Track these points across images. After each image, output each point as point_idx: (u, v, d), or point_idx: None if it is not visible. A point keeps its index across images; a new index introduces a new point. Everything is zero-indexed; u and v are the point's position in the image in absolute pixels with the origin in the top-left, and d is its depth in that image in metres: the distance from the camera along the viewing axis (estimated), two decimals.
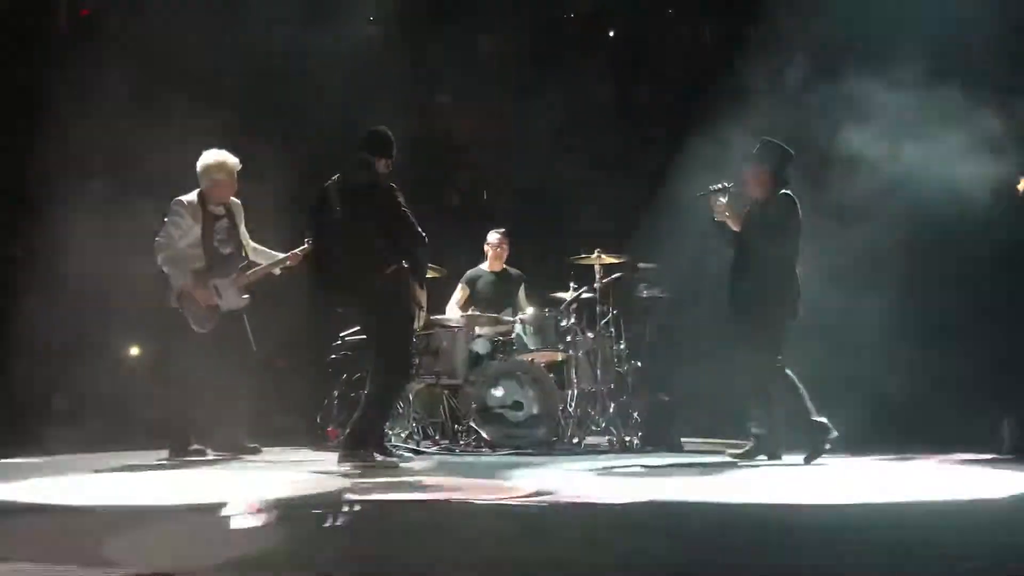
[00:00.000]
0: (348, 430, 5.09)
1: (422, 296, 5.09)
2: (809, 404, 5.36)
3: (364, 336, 5.60)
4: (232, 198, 5.83)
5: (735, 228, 5.52)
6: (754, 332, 5.41)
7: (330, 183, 5.14)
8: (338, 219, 5.04)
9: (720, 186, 5.57)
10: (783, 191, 5.53)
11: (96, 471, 4.95)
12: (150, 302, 6.09)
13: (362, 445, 4.96)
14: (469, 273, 7.16)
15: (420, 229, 4.98)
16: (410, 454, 5.65)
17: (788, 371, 5.39)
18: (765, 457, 5.45)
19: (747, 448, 5.54)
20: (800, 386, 5.37)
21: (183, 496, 4.00)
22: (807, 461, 5.29)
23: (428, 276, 6.59)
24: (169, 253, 5.58)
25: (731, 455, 5.55)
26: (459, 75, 7.47)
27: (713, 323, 6.19)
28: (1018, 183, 5.55)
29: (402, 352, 5.11)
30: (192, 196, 5.70)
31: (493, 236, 7.08)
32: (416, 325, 5.21)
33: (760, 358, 5.40)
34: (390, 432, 6.26)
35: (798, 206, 5.50)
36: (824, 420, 5.33)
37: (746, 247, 5.52)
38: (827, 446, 5.28)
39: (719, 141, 6.71)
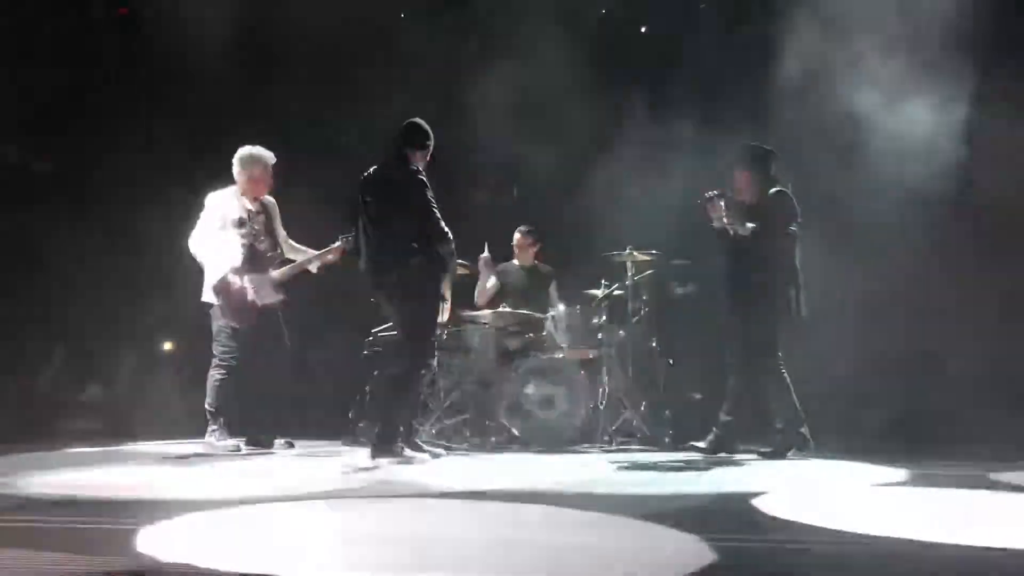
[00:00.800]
0: (378, 425, 5.13)
1: (447, 290, 5.16)
2: (798, 409, 5.43)
3: (392, 328, 5.66)
4: (268, 196, 5.87)
5: (741, 232, 5.49)
6: (753, 332, 5.48)
7: (366, 175, 5.22)
8: (370, 211, 5.13)
9: (716, 192, 5.56)
10: (775, 189, 5.58)
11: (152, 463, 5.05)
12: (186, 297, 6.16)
13: (392, 439, 5.02)
14: (500, 267, 7.15)
15: (445, 225, 5.02)
16: (440, 450, 5.66)
17: (784, 372, 5.46)
18: (794, 451, 5.45)
19: (774, 448, 5.52)
20: (791, 389, 5.44)
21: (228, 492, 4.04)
22: (766, 456, 5.42)
23: (457, 273, 6.65)
24: (205, 248, 5.62)
25: (760, 453, 5.55)
26: (492, 73, 7.44)
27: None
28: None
29: (424, 344, 5.13)
30: (228, 191, 5.74)
31: (517, 235, 7.09)
32: (442, 319, 5.26)
33: (758, 358, 5.48)
34: (421, 428, 6.29)
35: (793, 201, 5.54)
36: (805, 432, 5.41)
37: (742, 251, 5.54)
38: (790, 455, 5.38)
39: (750, 136, 6.70)
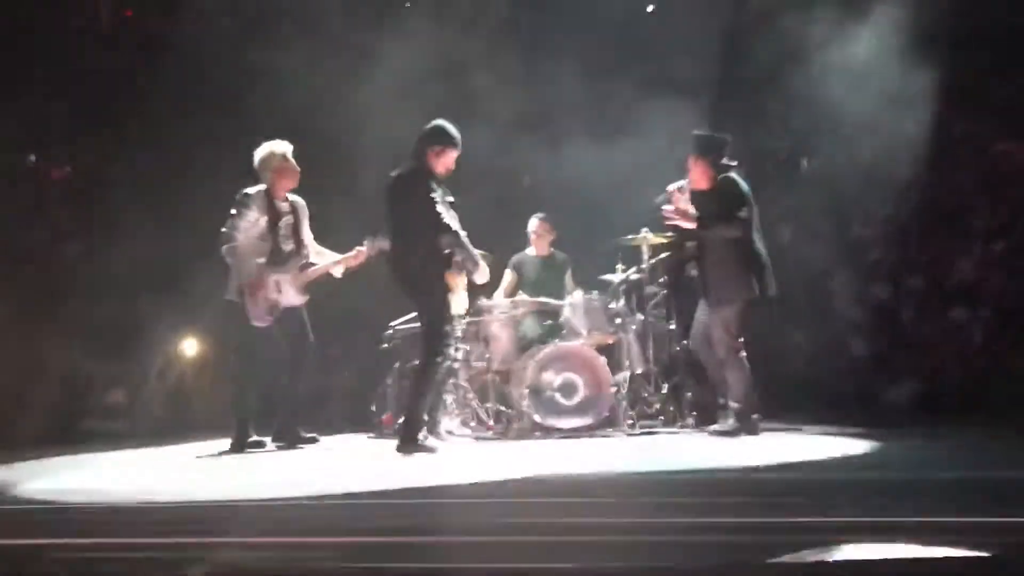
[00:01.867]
0: (403, 419, 5.20)
1: (455, 280, 5.24)
2: (752, 394, 5.59)
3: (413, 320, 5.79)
4: (298, 197, 5.90)
5: (687, 225, 5.72)
6: (716, 314, 5.63)
7: (390, 176, 5.35)
8: (387, 210, 5.32)
9: (676, 187, 5.83)
10: (722, 176, 5.74)
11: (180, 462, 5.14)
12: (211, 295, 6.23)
13: (416, 431, 5.09)
14: (515, 258, 7.17)
15: (445, 218, 5.10)
16: (464, 439, 5.71)
17: (743, 354, 5.59)
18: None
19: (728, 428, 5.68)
20: (749, 374, 5.61)
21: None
22: (712, 433, 5.64)
23: (475, 263, 6.66)
24: (233, 245, 5.66)
25: (711, 431, 5.73)
26: (502, 59, 7.44)
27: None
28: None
29: (436, 334, 5.19)
30: (259, 189, 5.77)
31: (533, 222, 7.09)
32: (457, 310, 5.32)
33: (722, 338, 5.61)
34: (443, 418, 6.33)
35: (741, 186, 5.69)
36: (756, 418, 5.58)
37: (701, 238, 5.77)
38: (735, 436, 5.51)
39: (762, 116, 6.74)
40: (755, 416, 5.62)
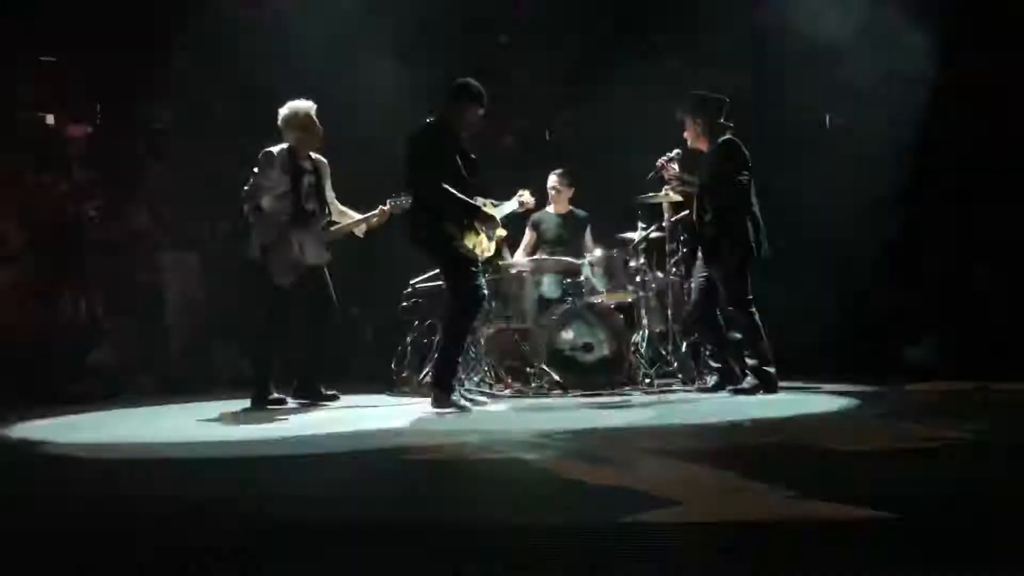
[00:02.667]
0: (433, 376, 5.27)
1: (468, 236, 5.20)
2: (766, 350, 5.65)
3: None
4: (320, 156, 5.87)
5: (690, 189, 5.85)
6: (721, 276, 5.69)
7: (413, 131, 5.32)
8: (406, 166, 5.28)
9: (670, 155, 5.94)
10: (724, 138, 5.76)
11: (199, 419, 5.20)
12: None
13: (449, 388, 5.16)
14: (534, 216, 7.14)
15: (443, 176, 5.06)
16: (484, 398, 5.74)
17: (754, 311, 5.66)
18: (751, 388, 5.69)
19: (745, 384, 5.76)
20: (762, 329, 5.66)
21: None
22: (735, 393, 5.68)
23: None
24: (257, 203, 5.65)
25: (730, 390, 5.79)
26: (521, 19, 7.35)
27: (784, 261, 6.17)
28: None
29: (461, 287, 5.18)
30: (282, 148, 5.74)
31: (552, 178, 7.05)
32: (482, 254, 5.33)
33: (725, 294, 5.70)
34: (463, 377, 6.36)
35: (742, 148, 5.71)
36: (771, 371, 5.63)
37: (701, 200, 5.80)
38: (754, 393, 5.60)
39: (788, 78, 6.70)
40: (772, 371, 5.63)
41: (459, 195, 5.13)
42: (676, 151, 5.99)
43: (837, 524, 2.29)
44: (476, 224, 5.26)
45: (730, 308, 5.76)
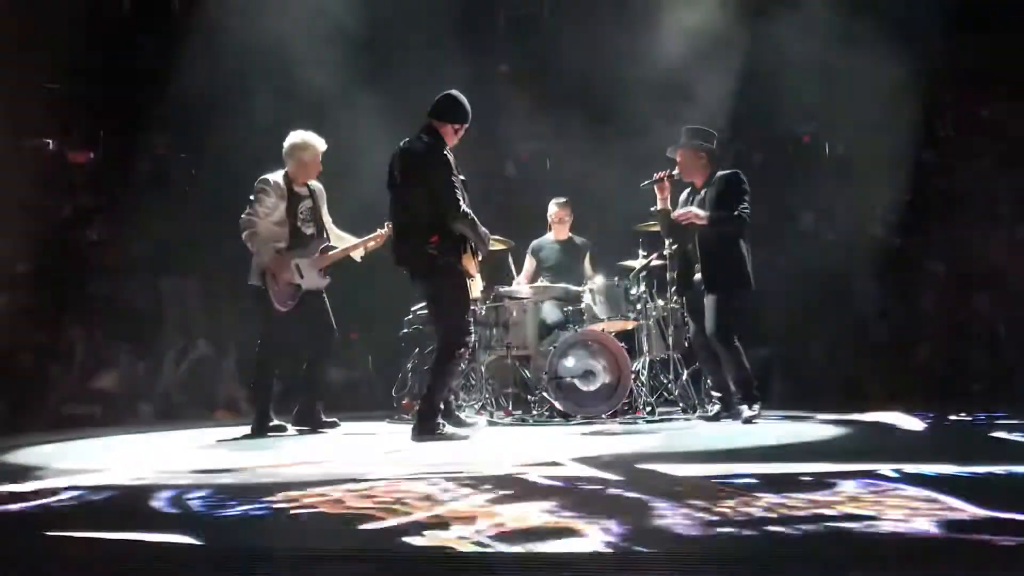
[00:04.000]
0: (419, 405, 5.15)
1: (471, 264, 5.06)
2: (750, 380, 5.76)
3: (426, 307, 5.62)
4: (315, 181, 5.90)
5: (699, 221, 5.78)
6: (714, 304, 5.74)
7: (395, 150, 5.14)
8: (396, 186, 5.07)
9: (664, 174, 5.95)
10: (727, 171, 5.89)
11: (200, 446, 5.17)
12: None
13: (432, 418, 5.01)
14: (535, 243, 7.16)
15: (463, 204, 4.90)
16: (481, 421, 5.70)
17: (737, 343, 5.74)
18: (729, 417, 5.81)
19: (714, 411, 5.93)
20: (744, 360, 5.75)
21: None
22: (709, 419, 5.86)
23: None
24: (254, 231, 5.67)
25: (699, 416, 6.04)
26: (520, 44, 7.41)
27: (784, 289, 6.19)
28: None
29: (455, 320, 5.03)
30: (278, 175, 5.76)
31: (553, 206, 7.07)
32: (474, 294, 5.21)
33: (719, 323, 5.71)
34: (463, 404, 6.35)
35: (745, 182, 5.82)
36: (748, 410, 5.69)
37: (690, 232, 5.86)
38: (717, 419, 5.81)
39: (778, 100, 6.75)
40: (757, 402, 5.76)
41: (479, 227, 5.00)
42: (676, 172, 5.99)
43: None
44: (478, 253, 5.10)
45: (715, 336, 5.76)
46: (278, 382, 6.00)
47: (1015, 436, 4.60)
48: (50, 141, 8.20)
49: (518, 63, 7.70)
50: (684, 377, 6.48)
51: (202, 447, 5.18)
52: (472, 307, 5.36)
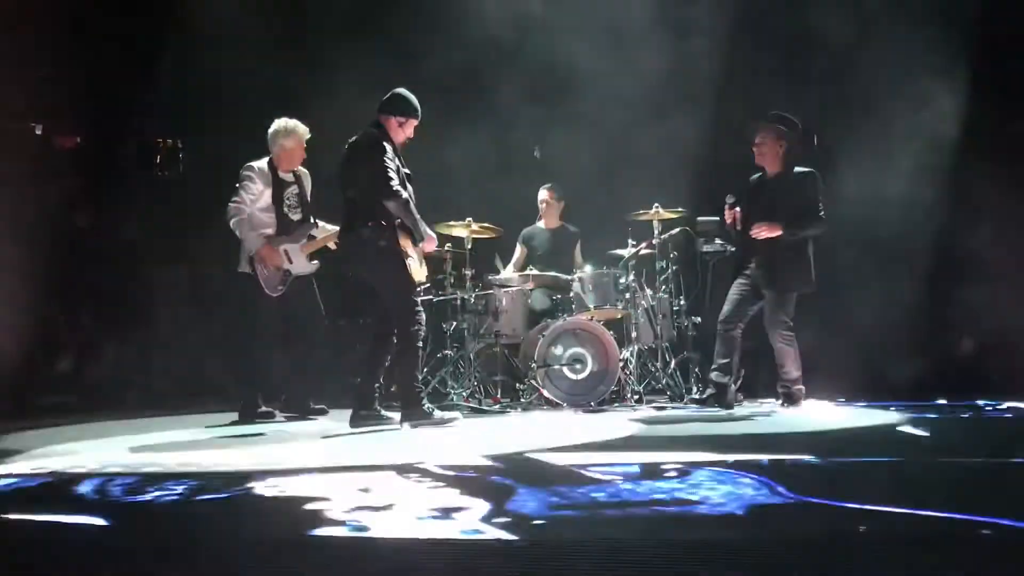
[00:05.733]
0: (400, 397, 5.17)
1: (407, 245, 5.06)
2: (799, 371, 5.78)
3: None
4: (302, 167, 5.89)
5: (789, 236, 5.68)
6: (779, 299, 5.70)
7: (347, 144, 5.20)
8: (341, 176, 5.14)
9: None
10: (804, 168, 5.76)
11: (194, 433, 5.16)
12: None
13: (417, 403, 5.06)
14: (525, 231, 7.18)
15: (392, 179, 4.93)
16: (456, 413, 5.66)
17: (793, 335, 5.74)
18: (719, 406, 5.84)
19: (707, 394, 5.96)
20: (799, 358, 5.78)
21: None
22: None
23: (486, 236, 6.67)
24: (241, 217, 5.66)
25: (689, 400, 6.09)
26: (511, 31, 7.38)
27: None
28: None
29: (403, 300, 5.07)
30: (263, 162, 5.78)
31: (542, 192, 7.08)
32: (418, 277, 5.21)
33: (782, 321, 5.70)
34: (452, 391, 6.36)
35: (821, 183, 5.76)
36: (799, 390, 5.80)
37: (755, 220, 5.72)
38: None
39: (767, 92, 6.74)
40: (799, 389, 5.79)
41: (414, 211, 5.05)
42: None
43: None
44: (419, 243, 5.14)
45: (775, 331, 5.75)
46: (267, 369, 5.99)
47: (920, 431, 4.61)
48: (37, 126, 8.11)
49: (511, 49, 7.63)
50: (672, 366, 6.50)
51: (185, 435, 5.14)
52: (417, 289, 5.34)
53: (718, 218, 6.13)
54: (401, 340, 5.09)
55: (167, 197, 8.06)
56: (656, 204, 6.49)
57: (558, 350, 6.20)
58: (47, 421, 5.80)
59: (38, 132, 8.04)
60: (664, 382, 6.44)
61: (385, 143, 5.05)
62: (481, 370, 6.48)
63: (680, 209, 6.58)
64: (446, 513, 2.66)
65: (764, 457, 3.63)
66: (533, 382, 6.18)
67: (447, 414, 5.22)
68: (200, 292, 8.06)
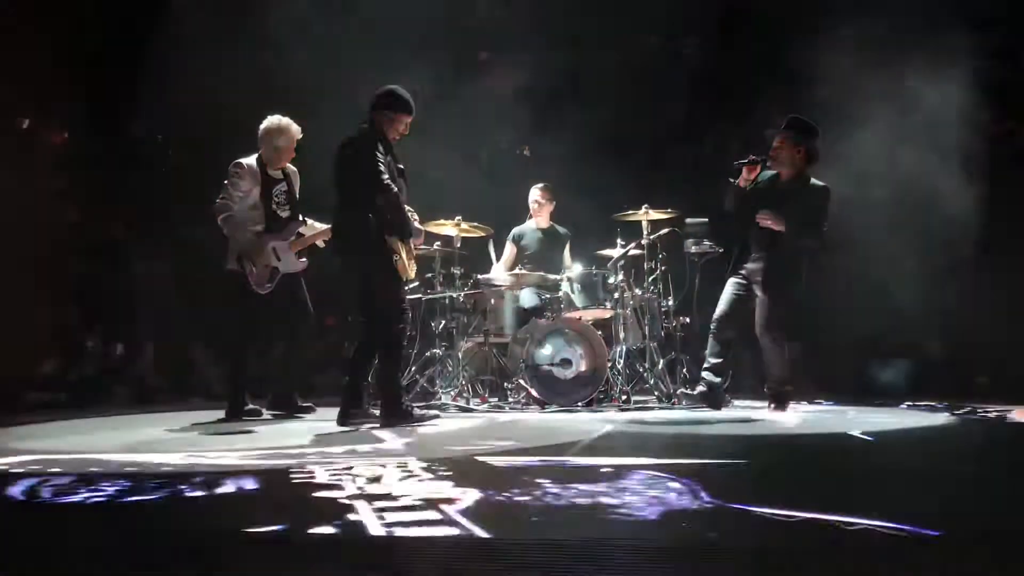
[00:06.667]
0: (380, 396, 5.15)
1: (400, 245, 5.05)
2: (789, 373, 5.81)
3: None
4: (290, 165, 5.87)
5: (776, 227, 5.67)
6: (772, 302, 5.70)
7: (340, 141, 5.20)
8: (335, 172, 5.13)
9: (759, 158, 5.75)
10: (819, 184, 5.72)
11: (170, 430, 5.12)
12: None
13: (397, 403, 5.07)
14: (516, 230, 7.18)
15: (385, 177, 4.92)
16: (435, 412, 5.65)
17: (785, 342, 5.78)
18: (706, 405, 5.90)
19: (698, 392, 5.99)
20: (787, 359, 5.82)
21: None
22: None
23: (477, 235, 6.67)
24: (230, 214, 5.64)
25: (681, 393, 6.14)
26: (503, 29, 7.38)
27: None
28: None
29: (390, 301, 5.07)
30: (251, 159, 5.74)
31: (534, 192, 7.09)
32: (407, 275, 5.18)
33: (776, 322, 5.72)
34: (440, 390, 6.35)
35: (829, 199, 5.71)
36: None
37: (774, 234, 5.69)
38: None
39: (761, 96, 6.74)
40: (787, 391, 5.82)
41: (404, 207, 5.05)
42: (762, 157, 5.79)
43: None
44: (409, 242, 5.13)
45: (765, 332, 5.76)
46: (253, 366, 5.97)
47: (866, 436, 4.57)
48: (25, 121, 8.08)
49: (502, 47, 7.65)
50: (660, 366, 6.51)
51: (166, 432, 5.11)
52: (406, 287, 5.34)
53: (706, 219, 6.14)
54: (385, 338, 5.09)
55: (155, 194, 8.04)
56: (645, 205, 6.51)
57: (546, 350, 6.20)
58: (27, 419, 5.75)
59: (24, 127, 8.01)
60: (652, 382, 6.45)
61: (377, 141, 5.04)
62: (469, 369, 6.47)
63: (669, 210, 6.60)
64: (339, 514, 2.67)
65: (704, 462, 3.65)
66: (521, 382, 6.18)
67: (427, 412, 5.23)
68: (188, 289, 8.03)
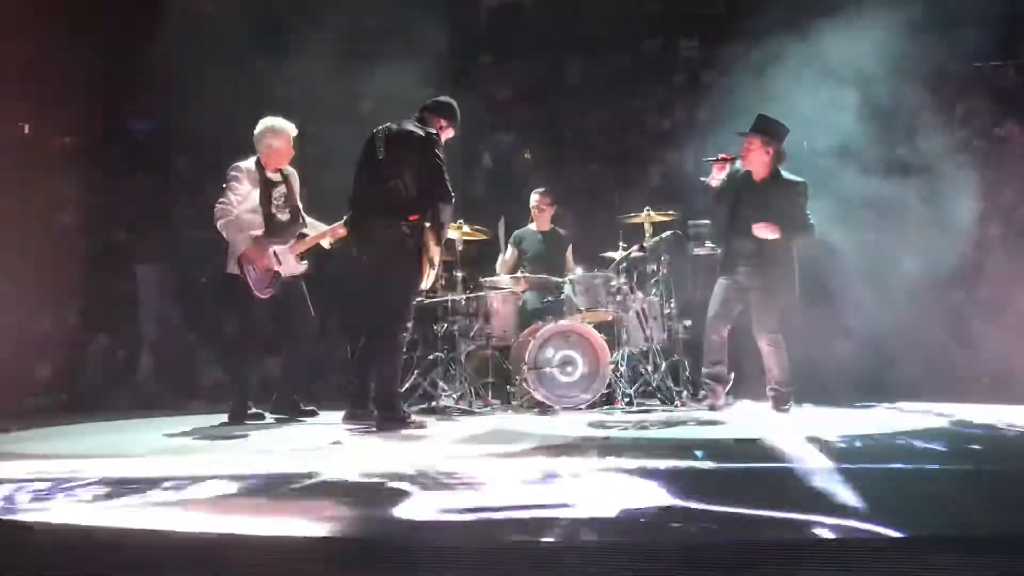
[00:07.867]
0: (377, 398, 5.14)
1: (436, 253, 5.06)
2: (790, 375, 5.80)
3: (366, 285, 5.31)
4: (289, 167, 5.86)
5: (769, 235, 5.66)
6: (773, 303, 5.72)
7: (378, 129, 5.17)
8: (379, 162, 5.07)
9: (730, 157, 5.77)
10: (796, 179, 5.75)
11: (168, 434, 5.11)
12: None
13: (393, 408, 5.05)
14: (517, 233, 7.18)
15: (450, 186, 4.95)
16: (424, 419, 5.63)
17: (783, 342, 5.77)
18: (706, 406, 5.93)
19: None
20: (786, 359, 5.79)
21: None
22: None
23: (477, 238, 6.66)
24: (229, 219, 5.62)
25: (683, 395, 6.17)
26: (503, 33, 7.39)
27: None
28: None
29: (401, 305, 5.06)
30: (250, 162, 5.72)
31: (534, 197, 7.09)
32: (425, 284, 5.19)
33: (772, 325, 5.73)
34: (442, 393, 6.34)
35: (808, 192, 5.73)
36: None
37: (743, 220, 5.70)
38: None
39: (765, 97, 6.72)
40: (788, 392, 5.81)
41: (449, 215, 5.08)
42: (733, 156, 5.81)
43: None
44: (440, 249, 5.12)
45: (762, 334, 5.78)
46: (256, 370, 5.96)
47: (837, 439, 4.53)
48: (25, 126, 8.08)
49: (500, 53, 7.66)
50: (663, 369, 6.50)
51: (167, 438, 5.10)
52: (419, 296, 5.35)
53: (708, 221, 6.14)
54: (386, 341, 5.06)
55: (154, 198, 8.03)
56: (647, 207, 6.50)
57: (548, 352, 6.19)
58: (21, 423, 5.73)
59: (26, 131, 8.01)
60: (655, 385, 6.43)
61: (439, 142, 5.07)
62: (472, 372, 6.46)
63: (671, 212, 6.59)
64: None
65: (705, 462, 3.68)
66: (523, 384, 6.17)
67: (418, 418, 5.24)
68: (189, 294, 8.02)
